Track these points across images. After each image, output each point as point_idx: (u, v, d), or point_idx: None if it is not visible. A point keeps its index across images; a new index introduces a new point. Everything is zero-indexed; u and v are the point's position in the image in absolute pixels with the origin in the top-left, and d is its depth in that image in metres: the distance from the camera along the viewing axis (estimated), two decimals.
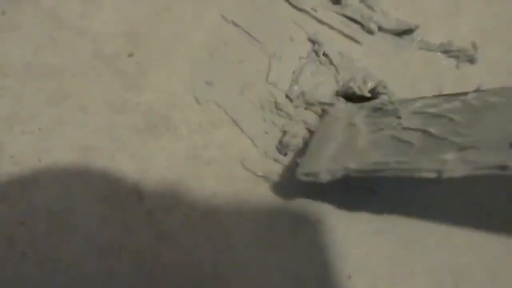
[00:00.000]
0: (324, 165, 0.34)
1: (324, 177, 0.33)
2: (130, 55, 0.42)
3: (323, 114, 0.40)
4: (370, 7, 0.45)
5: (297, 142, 0.39)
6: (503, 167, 0.28)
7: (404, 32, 0.44)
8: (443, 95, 0.37)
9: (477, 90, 0.35)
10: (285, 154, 0.39)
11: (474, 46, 0.44)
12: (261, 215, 0.37)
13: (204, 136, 0.39)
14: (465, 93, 0.35)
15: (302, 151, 0.38)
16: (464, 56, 0.44)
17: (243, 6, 0.45)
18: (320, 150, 0.35)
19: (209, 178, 0.38)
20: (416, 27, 0.44)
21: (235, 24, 0.44)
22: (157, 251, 0.35)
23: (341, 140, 0.36)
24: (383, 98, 0.39)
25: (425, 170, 0.30)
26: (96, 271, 0.34)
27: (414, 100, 0.37)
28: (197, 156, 0.38)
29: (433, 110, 0.35)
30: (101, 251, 0.35)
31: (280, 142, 0.39)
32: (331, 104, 0.40)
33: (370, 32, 0.44)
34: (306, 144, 0.39)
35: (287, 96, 0.41)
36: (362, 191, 0.38)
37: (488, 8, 0.47)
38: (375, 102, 0.38)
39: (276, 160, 0.39)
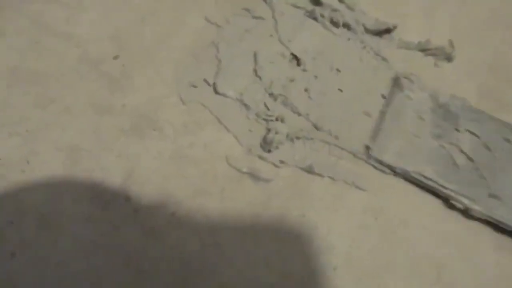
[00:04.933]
0: (390, 158, 0.39)
1: (386, 170, 0.39)
2: (116, 57, 0.42)
3: (395, 83, 0.43)
4: (350, 8, 0.46)
5: (281, 138, 0.39)
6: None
7: (384, 32, 0.46)
8: (501, 121, 0.41)
9: None
10: (269, 151, 0.39)
11: (451, 44, 0.45)
12: (247, 211, 0.37)
13: (189, 136, 0.40)
14: None
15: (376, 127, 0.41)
16: (442, 54, 0.45)
17: (226, 8, 0.46)
18: (390, 138, 0.40)
19: (195, 177, 0.38)
20: (395, 27, 0.45)
21: (218, 26, 0.45)
22: (144, 249, 0.35)
23: (409, 135, 0.40)
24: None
25: (457, 200, 0.38)
26: (84, 270, 0.34)
27: (476, 112, 0.41)
28: (182, 156, 0.39)
29: (484, 134, 0.40)
30: (88, 251, 0.35)
31: (264, 139, 0.40)
32: None
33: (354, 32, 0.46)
34: (381, 116, 0.42)
35: (271, 94, 0.42)
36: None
37: (463, 8, 0.48)
38: (445, 97, 0.41)
39: (260, 157, 0.39)
